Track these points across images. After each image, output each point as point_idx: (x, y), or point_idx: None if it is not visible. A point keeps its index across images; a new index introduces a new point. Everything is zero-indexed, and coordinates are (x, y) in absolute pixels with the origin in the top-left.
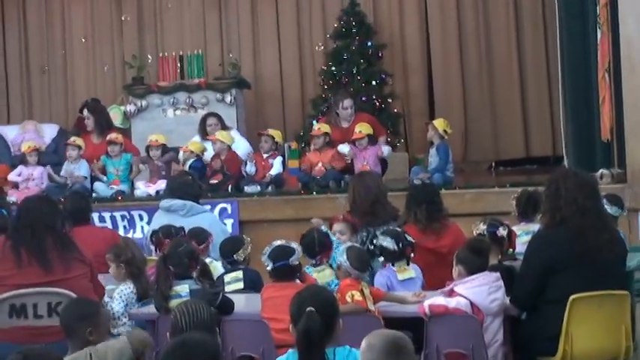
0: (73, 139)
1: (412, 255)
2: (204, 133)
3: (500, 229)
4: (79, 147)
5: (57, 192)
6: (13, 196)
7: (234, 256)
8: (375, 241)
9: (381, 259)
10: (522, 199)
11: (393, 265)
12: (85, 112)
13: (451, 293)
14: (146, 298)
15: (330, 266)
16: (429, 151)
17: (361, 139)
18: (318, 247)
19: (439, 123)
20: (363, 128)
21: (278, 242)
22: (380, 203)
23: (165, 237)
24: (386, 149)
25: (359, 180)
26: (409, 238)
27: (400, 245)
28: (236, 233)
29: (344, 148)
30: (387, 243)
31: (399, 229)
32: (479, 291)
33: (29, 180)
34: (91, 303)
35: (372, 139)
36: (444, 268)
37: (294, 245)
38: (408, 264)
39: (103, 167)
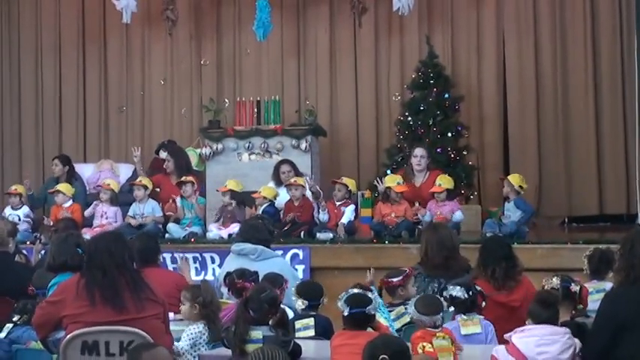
0: (139, 179)
1: (483, 304)
2: (278, 180)
3: (573, 284)
4: (145, 187)
5: (129, 232)
6: (87, 234)
7: (323, 299)
8: (444, 293)
9: (452, 309)
10: (595, 257)
11: (464, 314)
12: (165, 154)
13: (507, 342)
14: (217, 341)
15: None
16: (503, 205)
17: (440, 192)
18: None
19: (514, 179)
20: (443, 182)
21: (355, 290)
22: (453, 258)
23: (239, 278)
24: (458, 215)
25: (433, 232)
26: (478, 288)
27: (470, 294)
28: (307, 279)
29: (426, 216)
30: (457, 292)
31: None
32: (527, 341)
33: (102, 217)
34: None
35: (451, 195)
36: (515, 322)
37: (372, 295)
38: (480, 313)
39: (182, 209)
